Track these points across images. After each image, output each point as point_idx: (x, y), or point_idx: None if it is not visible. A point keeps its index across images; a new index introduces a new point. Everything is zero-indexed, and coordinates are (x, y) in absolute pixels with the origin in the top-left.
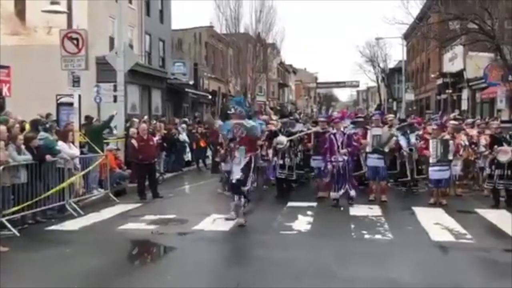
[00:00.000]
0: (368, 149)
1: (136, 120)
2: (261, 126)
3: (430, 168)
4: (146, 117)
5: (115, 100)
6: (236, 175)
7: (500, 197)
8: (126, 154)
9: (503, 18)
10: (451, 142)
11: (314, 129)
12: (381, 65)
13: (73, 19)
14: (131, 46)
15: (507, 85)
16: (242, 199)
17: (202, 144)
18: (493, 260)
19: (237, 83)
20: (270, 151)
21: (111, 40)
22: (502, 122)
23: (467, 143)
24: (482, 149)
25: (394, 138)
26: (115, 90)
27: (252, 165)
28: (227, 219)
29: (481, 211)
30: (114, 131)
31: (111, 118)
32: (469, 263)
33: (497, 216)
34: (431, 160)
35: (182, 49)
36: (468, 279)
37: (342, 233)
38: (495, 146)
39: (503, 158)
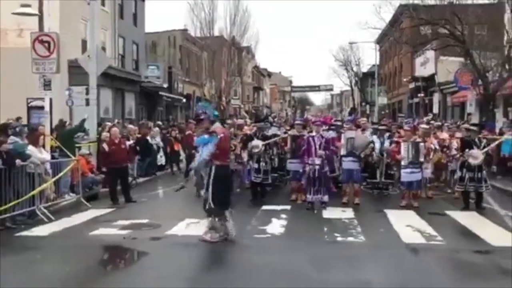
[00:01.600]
0: (342, 152)
1: (108, 124)
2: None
3: (402, 171)
4: (116, 120)
5: (87, 104)
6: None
7: (470, 200)
8: (98, 158)
9: (472, 23)
10: (421, 145)
11: (290, 132)
12: (355, 69)
13: (45, 22)
14: (104, 49)
15: (477, 89)
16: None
17: (176, 147)
18: (463, 261)
19: (211, 87)
20: (245, 154)
21: (84, 43)
22: (472, 125)
23: (437, 146)
24: (453, 152)
25: (371, 145)
26: (87, 93)
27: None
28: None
29: (452, 213)
30: (89, 134)
31: (83, 121)
32: (440, 265)
33: (467, 218)
34: (403, 163)
35: (156, 52)
36: (439, 280)
37: (316, 236)
38: (466, 149)
39: (473, 161)
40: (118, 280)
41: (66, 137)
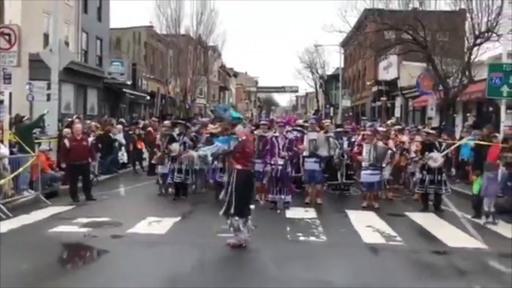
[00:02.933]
0: (305, 153)
1: (76, 119)
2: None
3: (362, 172)
4: (75, 116)
5: (48, 99)
6: None
7: (429, 201)
8: (59, 155)
9: (435, 30)
10: (385, 147)
11: (256, 132)
12: (320, 71)
13: (6, 14)
14: (66, 44)
15: (438, 94)
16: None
17: (139, 145)
18: (421, 261)
19: (176, 85)
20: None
21: (46, 36)
22: (432, 129)
23: (394, 149)
24: (412, 155)
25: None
26: (48, 88)
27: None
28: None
29: (411, 215)
30: (47, 130)
31: (42, 117)
32: (399, 264)
33: (426, 219)
34: (364, 164)
35: (121, 49)
36: (398, 280)
37: (278, 235)
38: (426, 152)
39: (433, 164)
40: (78, 278)
41: (25, 132)
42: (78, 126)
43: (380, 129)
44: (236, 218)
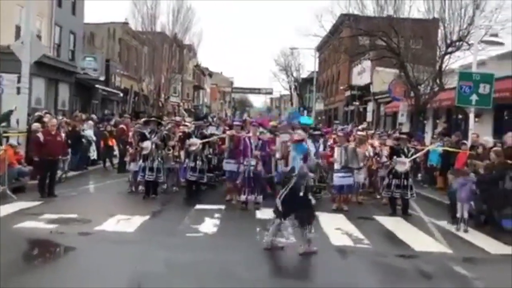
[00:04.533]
0: (277, 155)
1: (40, 113)
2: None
3: (334, 175)
4: (44, 112)
5: (18, 92)
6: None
7: (397, 206)
8: (27, 149)
9: (408, 37)
10: (358, 150)
11: (229, 132)
12: (294, 74)
13: None
14: (39, 37)
15: (409, 101)
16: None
17: (110, 142)
18: (388, 264)
19: (150, 82)
20: (182, 153)
21: (18, 29)
22: (401, 133)
23: (371, 153)
24: (384, 159)
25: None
26: (18, 81)
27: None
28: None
29: (380, 218)
30: (15, 125)
31: (9, 113)
32: (366, 267)
33: (393, 223)
34: (336, 167)
35: (94, 44)
36: (365, 282)
37: (248, 236)
38: (394, 157)
39: (400, 169)
40: (43, 275)
41: None
42: (54, 120)
43: (359, 133)
44: (280, 220)
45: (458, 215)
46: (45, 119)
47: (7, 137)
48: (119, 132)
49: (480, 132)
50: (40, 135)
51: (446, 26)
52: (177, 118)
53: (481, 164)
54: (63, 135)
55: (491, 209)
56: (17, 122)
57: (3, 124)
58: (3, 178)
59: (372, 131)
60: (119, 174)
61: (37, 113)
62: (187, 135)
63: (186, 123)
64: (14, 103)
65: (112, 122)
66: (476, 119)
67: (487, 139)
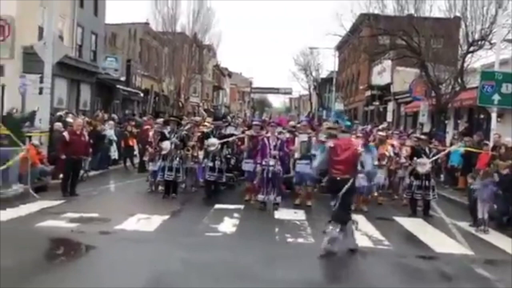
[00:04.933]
0: (296, 155)
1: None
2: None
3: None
4: (64, 112)
5: (40, 92)
6: None
7: (417, 207)
8: (49, 149)
9: (429, 36)
10: (375, 150)
11: (248, 132)
12: (314, 74)
13: (1, 5)
14: (61, 38)
15: (430, 100)
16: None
17: (131, 142)
18: (408, 265)
19: (170, 83)
20: (201, 153)
21: (41, 29)
22: (422, 134)
23: (392, 154)
24: (403, 160)
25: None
26: (41, 82)
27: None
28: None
29: (399, 219)
30: (38, 125)
31: (33, 113)
32: (386, 268)
33: (413, 225)
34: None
35: (116, 44)
36: (385, 283)
37: (266, 236)
38: (415, 158)
39: (421, 170)
40: (63, 273)
41: (14, 125)
42: (79, 120)
43: (380, 133)
44: (338, 228)
45: (479, 216)
46: (68, 119)
47: (30, 137)
48: (143, 133)
49: (503, 132)
50: (66, 134)
51: (467, 25)
52: (197, 118)
53: (504, 165)
54: (86, 134)
55: None
56: (40, 121)
57: (27, 124)
58: (26, 178)
59: (391, 131)
60: (139, 174)
61: (58, 113)
62: (206, 135)
63: (206, 123)
64: (37, 103)
65: (133, 122)
66: (499, 119)
67: (509, 139)
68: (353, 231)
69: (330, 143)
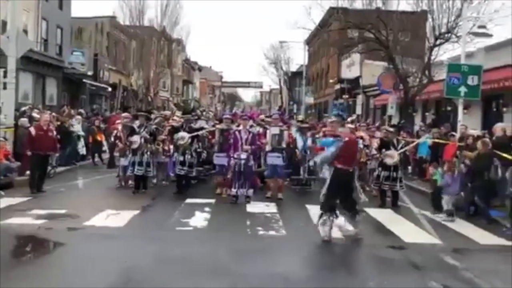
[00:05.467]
0: (267, 147)
1: (25, 109)
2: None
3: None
4: (28, 107)
5: (4, 87)
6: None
7: (386, 198)
8: (15, 145)
9: (397, 29)
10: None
11: (219, 126)
12: (284, 68)
13: None
14: (25, 31)
15: (398, 93)
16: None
17: (99, 137)
18: (378, 255)
19: (139, 77)
20: (172, 147)
21: (4, 23)
22: (391, 126)
23: (361, 145)
24: (373, 151)
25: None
26: (5, 76)
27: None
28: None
29: (370, 210)
30: (2, 120)
31: None
32: (357, 258)
33: (383, 215)
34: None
35: (82, 39)
36: (355, 274)
37: (238, 229)
38: (383, 149)
39: (389, 161)
40: (30, 270)
41: None
42: (46, 116)
43: (348, 125)
44: (322, 213)
45: (444, 207)
46: (34, 114)
47: None
48: (110, 128)
49: (469, 123)
50: (32, 129)
51: (434, 18)
52: (166, 112)
53: (472, 155)
54: (53, 130)
55: (479, 200)
56: (5, 117)
57: None
58: None
59: (358, 123)
60: (108, 170)
61: (23, 108)
62: (176, 129)
63: (175, 117)
64: (1, 99)
65: (101, 117)
66: (465, 111)
67: (472, 131)
68: (332, 223)
69: (345, 138)
